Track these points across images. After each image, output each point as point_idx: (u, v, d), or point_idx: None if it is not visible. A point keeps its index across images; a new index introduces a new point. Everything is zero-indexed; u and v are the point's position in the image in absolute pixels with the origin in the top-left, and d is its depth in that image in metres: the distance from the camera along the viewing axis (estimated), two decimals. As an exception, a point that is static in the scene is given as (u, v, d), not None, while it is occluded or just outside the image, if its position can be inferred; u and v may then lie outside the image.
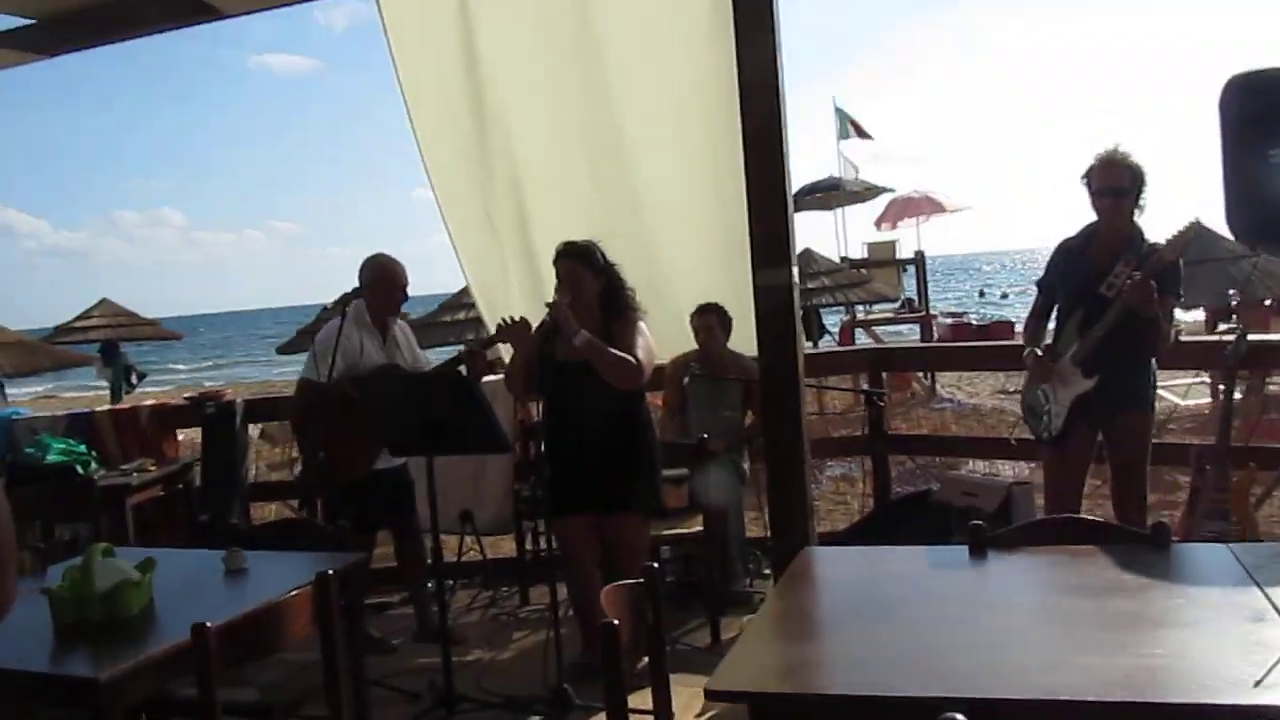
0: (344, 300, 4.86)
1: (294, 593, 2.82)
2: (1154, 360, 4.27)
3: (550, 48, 5.25)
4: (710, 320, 5.45)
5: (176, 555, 3.53)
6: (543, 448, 4.10)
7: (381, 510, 5.01)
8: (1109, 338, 4.11)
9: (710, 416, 5.54)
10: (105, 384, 15.89)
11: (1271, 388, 9.41)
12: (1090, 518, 2.88)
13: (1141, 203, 4.17)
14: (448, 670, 4.28)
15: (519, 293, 5.67)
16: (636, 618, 2.59)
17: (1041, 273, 4.56)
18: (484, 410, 3.96)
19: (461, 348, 5.08)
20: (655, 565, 2.67)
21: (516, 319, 4.32)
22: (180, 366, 43.08)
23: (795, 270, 4.17)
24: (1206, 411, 9.18)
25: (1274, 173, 2.22)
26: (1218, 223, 4.03)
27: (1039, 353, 4.39)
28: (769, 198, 4.06)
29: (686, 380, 5.35)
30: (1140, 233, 4.21)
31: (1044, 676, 1.90)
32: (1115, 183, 4.13)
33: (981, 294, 50.67)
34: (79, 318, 15.35)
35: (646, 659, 4.46)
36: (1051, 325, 4.52)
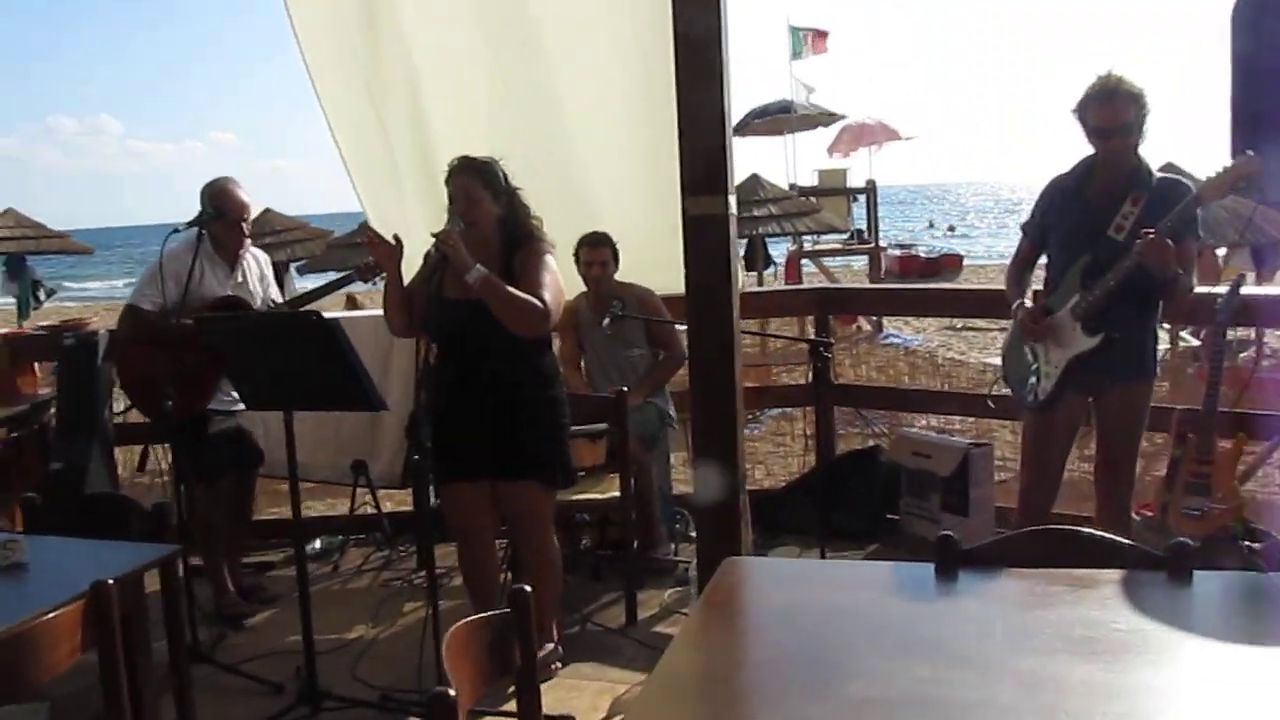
0: (198, 222, 4.12)
1: (53, 614, 2.11)
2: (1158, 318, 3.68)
3: None
4: (605, 254, 4.73)
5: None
6: (418, 400, 3.38)
7: (223, 456, 4.36)
8: (1120, 288, 3.48)
9: (617, 360, 4.86)
10: (12, 300, 14.86)
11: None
12: (1089, 531, 2.23)
13: (1144, 131, 3.51)
14: (310, 659, 3.63)
15: (420, 216, 4.88)
16: (496, 663, 1.92)
17: (1026, 214, 3.90)
18: (347, 360, 3.24)
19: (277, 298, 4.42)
20: (527, 588, 1.99)
21: (383, 236, 3.60)
22: (96, 283, 40.44)
23: (733, 200, 3.47)
24: (1166, 359, 8.67)
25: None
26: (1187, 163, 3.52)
27: (1028, 305, 3.76)
28: (703, 109, 3.34)
29: (607, 321, 4.64)
30: (1145, 166, 3.56)
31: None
32: (1118, 120, 3.44)
33: (930, 225, 50.24)
34: (-19, 227, 14.22)
35: (550, 646, 3.92)
36: (1038, 273, 3.90)
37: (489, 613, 1.95)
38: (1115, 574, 2.05)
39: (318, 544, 5.37)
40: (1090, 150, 3.61)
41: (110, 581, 2.21)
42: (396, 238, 3.58)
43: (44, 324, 6.12)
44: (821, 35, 16.77)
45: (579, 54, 4.48)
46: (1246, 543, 4.09)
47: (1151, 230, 3.35)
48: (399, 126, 4.77)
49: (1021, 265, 3.91)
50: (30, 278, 14.54)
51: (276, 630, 4.36)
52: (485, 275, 3.41)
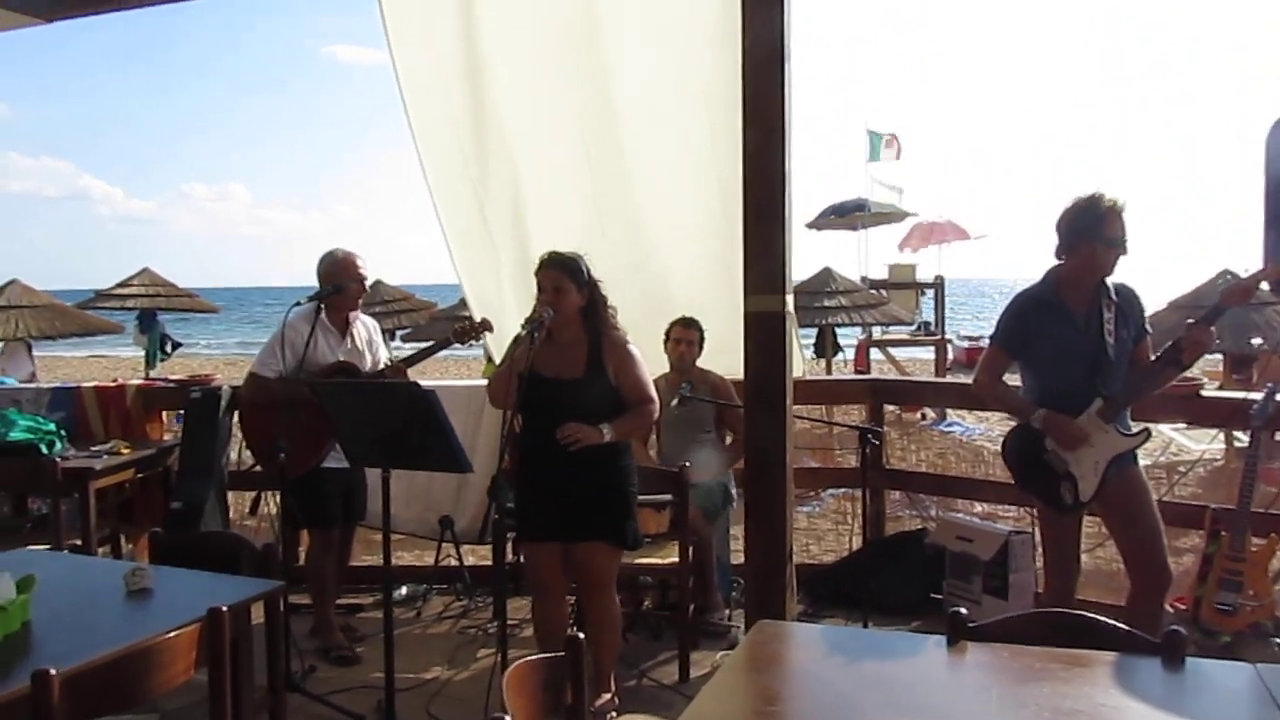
0: (319, 296, 4.42)
1: (173, 633, 2.35)
2: None
3: (552, 50, 4.76)
4: (693, 335, 4.98)
5: (80, 566, 3.09)
6: (499, 468, 3.59)
7: (334, 507, 4.62)
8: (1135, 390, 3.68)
9: (686, 440, 5.05)
10: (141, 350, 15.54)
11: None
12: (1091, 616, 2.34)
13: None
14: (390, 695, 3.82)
15: (514, 301, 5.17)
16: (550, 700, 2.10)
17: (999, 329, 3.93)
18: (442, 427, 3.47)
19: (388, 360, 4.77)
20: (581, 635, 2.17)
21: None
22: (225, 339, 41.72)
23: (790, 299, 3.66)
24: (1220, 461, 8.52)
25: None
26: (1238, 265, 3.69)
27: (1047, 413, 3.81)
28: (765, 218, 3.56)
29: (675, 401, 4.84)
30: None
31: None
32: (1124, 233, 3.65)
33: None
34: (119, 285, 14.94)
35: (606, 696, 4.06)
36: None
37: (548, 654, 2.13)
38: (1110, 656, 2.16)
39: (404, 590, 5.58)
40: (1055, 263, 3.75)
41: (225, 609, 2.43)
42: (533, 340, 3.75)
43: (173, 377, 6.48)
44: (894, 139, 16.94)
45: (661, 163, 4.76)
46: (1277, 640, 4.09)
47: (1193, 320, 3.57)
48: (500, 220, 5.08)
49: (999, 376, 3.96)
50: (159, 332, 15.22)
51: (362, 667, 4.56)
52: (615, 427, 3.75)
